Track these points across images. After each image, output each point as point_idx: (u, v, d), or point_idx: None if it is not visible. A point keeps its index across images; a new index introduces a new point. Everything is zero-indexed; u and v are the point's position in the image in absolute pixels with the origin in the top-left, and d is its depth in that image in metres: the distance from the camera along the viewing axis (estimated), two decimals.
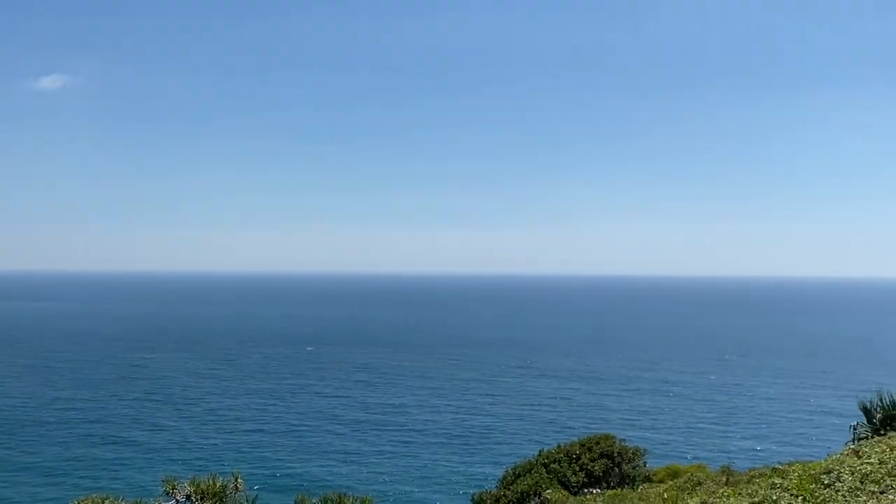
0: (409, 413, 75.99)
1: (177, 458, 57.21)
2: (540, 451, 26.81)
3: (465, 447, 61.94)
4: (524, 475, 24.83)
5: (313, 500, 9.08)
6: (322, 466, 55.89)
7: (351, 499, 9.26)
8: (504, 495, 24.87)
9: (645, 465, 26.67)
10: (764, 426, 71.66)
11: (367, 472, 54.34)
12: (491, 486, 28.19)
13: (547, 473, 24.63)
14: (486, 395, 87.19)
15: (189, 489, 8.24)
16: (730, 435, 67.89)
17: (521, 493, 23.98)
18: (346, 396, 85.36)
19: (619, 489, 22.64)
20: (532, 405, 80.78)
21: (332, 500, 9.01)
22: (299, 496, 9.22)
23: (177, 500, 8.15)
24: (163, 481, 8.11)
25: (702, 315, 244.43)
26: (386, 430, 68.13)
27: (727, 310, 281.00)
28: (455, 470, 55.26)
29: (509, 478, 25.81)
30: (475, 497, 26.51)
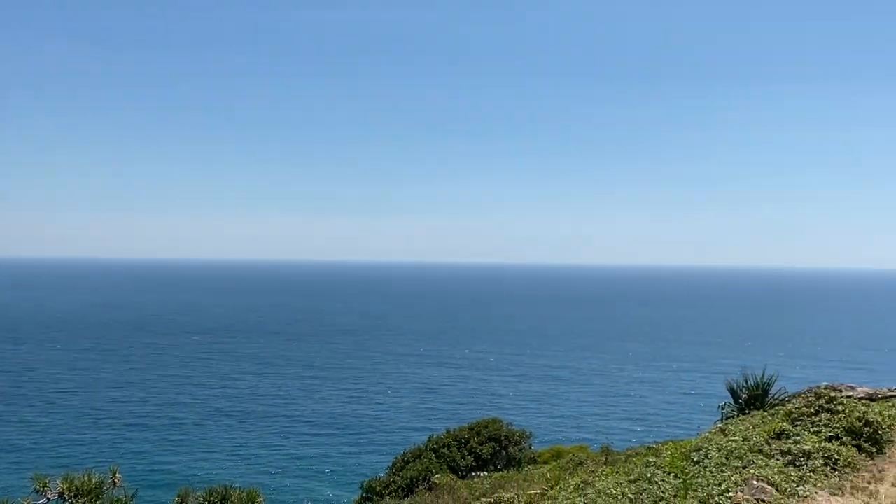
0: (296, 403, 74.93)
1: (49, 456, 54.02)
2: (429, 437, 27.14)
3: (355, 436, 61.79)
4: (413, 461, 25.08)
5: (197, 494, 8.79)
6: (206, 460, 54.26)
7: (237, 492, 9.02)
8: (394, 481, 25.03)
9: (530, 448, 27.51)
10: (642, 408, 75.34)
11: (254, 465, 53.25)
12: (380, 474, 28.29)
13: (436, 458, 24.97)
14: (377, 383, 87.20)
15: (62, 486, 7.77)
16: (611, 417, 71.01)
17: (411, 478, 24.20)
18: (232, 387, 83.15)
19: (506, 471, 23.29)
20: (422, 393, 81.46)
21: (217, 494, 8.75)
22: (182, 490, 8.90)
23: (48, 499, 7.67)
24: (32, 479, 7.58)
25: (584, 305, 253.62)
26: (273, 420, 66.91)
27: (607, 299, 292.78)
28: (344, 459, 55.05)
29: (399, 464, 25.99)
30: (364, 484, 26.53)
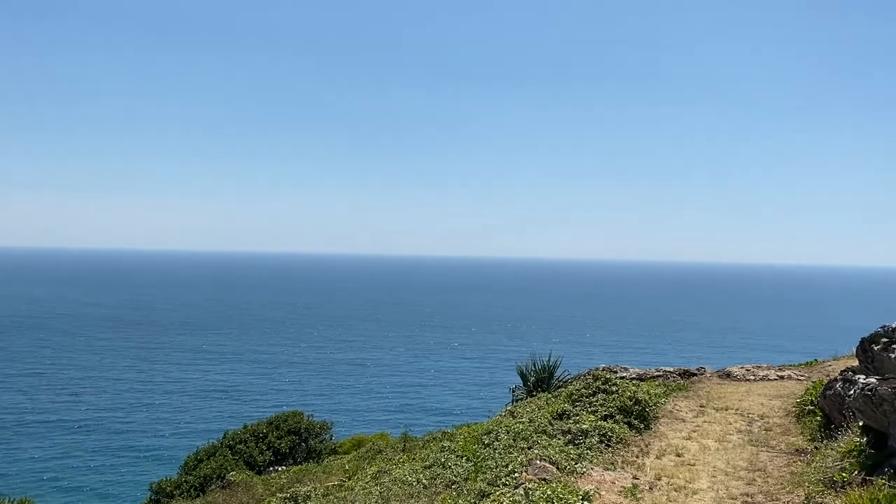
0: (77, 408, 68.57)
1: None
2: (225, 434, 26.04)
3: (142, 438, 57.81)
4: (207, 459, 23.93)
5: None
6: None
7: (6, 501, 8.01)
8: (186, 481, 23.74)
9: (331, 439, 27.33)
10: (448, 393, 77.68)
11: (28, 475, 48.08)
12: (171, 474, 26.69)
13: (232, 455, 24.02)
14: (171, 382, 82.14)
15: None
16: (415, 403, 72.50)
17: (204, 476, 23.09)
18: (9, 396, 74.35)
19: (306, 464, 22.93)
20: (218, 392, 77.77)
21: None
22: None
23: None
24: None
25: (393, 294, 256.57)
26: (54, 429, 60.66)
27: (416, 288, 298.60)
28: (132, 462, 51.35)
29: (191, 463, 24.68)
30: (154, 486, 24.92)
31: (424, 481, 11.80)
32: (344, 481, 15.38)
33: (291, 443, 24.66)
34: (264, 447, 24.56)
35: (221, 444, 25.02)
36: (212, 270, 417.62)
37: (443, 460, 12.56)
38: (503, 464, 10.75)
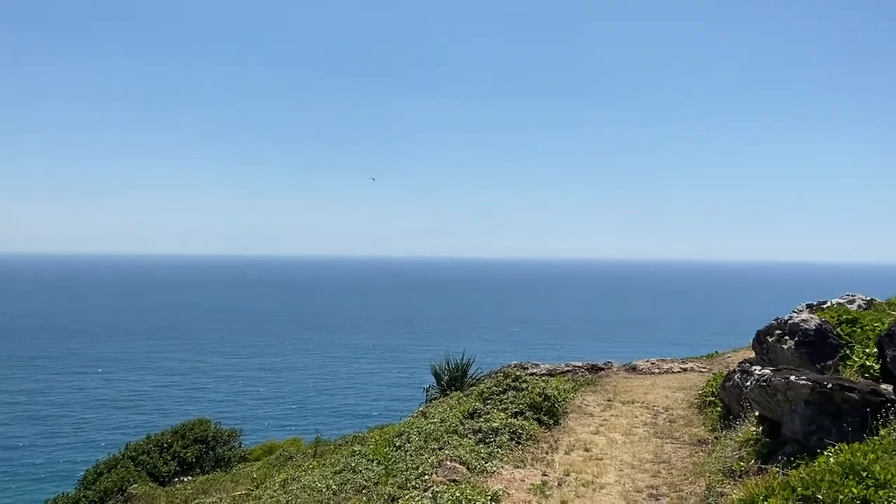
0: None
1: None
2: (127, 445, 24.86)
3: (38, 455, 54.67)
4: (108, 472, 22.76)
5: None
6: None
7: None
8: (84, 496, 22.49)
9: (240, 446, 26.51)
10: (364, 396, 76.93)
11: None
12: (70, 490, 25.28)
13: (135, 466, 22.93)
14: (70, 392, 78.08)
15: None
16: (331, 406, 71.50)
17: (104, 490, 21.93)
18: None
19: (213, 473, 22.13)
20: (121, 402, 74.41)
21: None
22: None
23: None
24: None
25: (311, 296, 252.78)
26: None
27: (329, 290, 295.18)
28: (26, 482, 48.46)
29: (91, 477, 23.42)
30: (49, 503, 23.55)
31: (334, 487, 11.53)
32: (251, 490, 14.87)
33: (198, 452, 23.74)
34: (169, 457, 23.56)
35: (123, 455, 23.86)
36: (111, 273, 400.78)
37: (353, 465, 12.30)
38: (413, 466, 10.60)
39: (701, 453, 11.03)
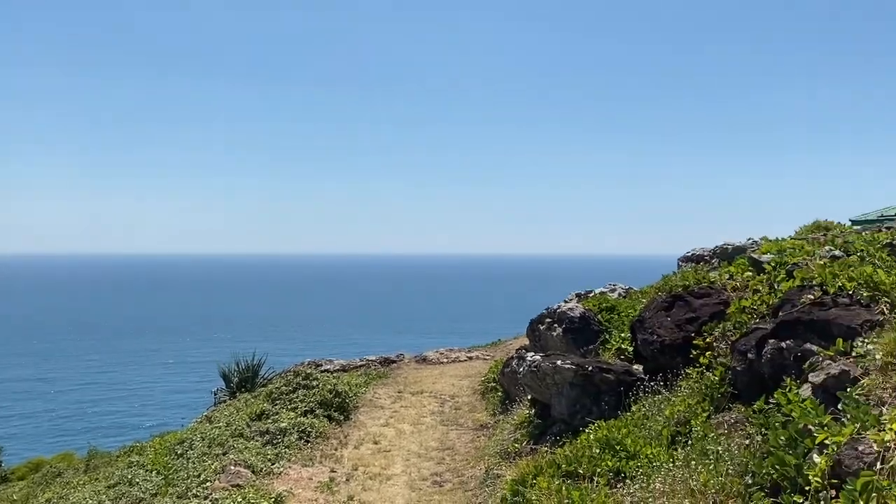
0: None
1: None
2: None
3: None
4: None
5: None
6: None
7: None
8: None
9: (1, 465, 23.77)
10: (143, 404, 72.06)
11: None
12: None
13: None
14: None
15: None
16: (112, 418, 66.27)
17: None
18: None
19: None
20: None
21: None
22: None
23: None
24: None
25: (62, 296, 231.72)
26: None
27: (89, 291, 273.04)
28: None
29: None
30: None
31: (108, 502, 10.71)
32: None
33: None
34: None
35: None
36: None
37: (130, 477, 11.50)
38: (195, 474, 10.15)
39: (483, 438, 11.65)
